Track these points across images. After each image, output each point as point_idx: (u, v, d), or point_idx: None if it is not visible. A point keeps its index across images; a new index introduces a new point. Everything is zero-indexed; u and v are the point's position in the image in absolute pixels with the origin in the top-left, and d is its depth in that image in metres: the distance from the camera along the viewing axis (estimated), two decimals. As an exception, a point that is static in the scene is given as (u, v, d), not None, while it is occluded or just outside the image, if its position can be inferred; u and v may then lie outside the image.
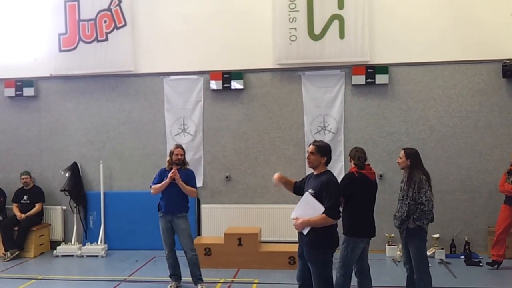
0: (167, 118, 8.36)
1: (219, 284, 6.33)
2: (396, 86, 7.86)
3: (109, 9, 8.38)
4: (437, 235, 7.36)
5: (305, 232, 4.34)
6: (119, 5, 8.34)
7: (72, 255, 7.98)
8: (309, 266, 4.39)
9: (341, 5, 7.77)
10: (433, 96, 7.77)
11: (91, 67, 8.42)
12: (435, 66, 7.73)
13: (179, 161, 6.01)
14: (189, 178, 6.06)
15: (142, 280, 6.66)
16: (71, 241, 8.30)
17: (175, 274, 6.19)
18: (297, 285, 4.70)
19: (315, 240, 4.29)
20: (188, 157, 6.64)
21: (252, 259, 6.98)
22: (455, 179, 7.71)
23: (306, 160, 4.53)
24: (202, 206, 8.25)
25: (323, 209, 4.22)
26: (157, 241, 6.41)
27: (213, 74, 8.14)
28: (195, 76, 8.30)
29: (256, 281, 6.41)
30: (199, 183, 7.76)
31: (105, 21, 8.39)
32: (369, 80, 7.77)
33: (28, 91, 8.60)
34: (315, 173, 4.50)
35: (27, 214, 8.13)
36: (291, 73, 8.07)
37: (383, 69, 7.75)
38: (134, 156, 8.48)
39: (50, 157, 8.67)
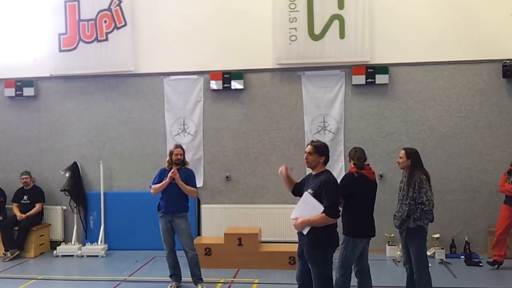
0: (167, 118, 8.36)
1: (219, 284, 6.33)
2: (396, 86, 7.86)
3: (109, 9, 8.38)
4: (437, 235, 7.36)
5: (305, 232, 4.35)
6: (119, 5, 8.34)
7: (72, 255, 7.98)
8: (309, 266, 4.39)
9: (341, 5, 7.77)
10: (433, 96, 7.77)
11: (91, 67, 8.42)
12: (435, 66, 7.73)
13: (178, 161, 6.01)
14: (189, 178, 6.05)
15: (142, 280, 6.65)
16: (71, 241, 8.29)
17: (175, 274, 6.19)
18: (297, 285, 4.70)
19: (315, 240, 4.29)
20: (188, 157, 6.65)
21: (252, 259, 6.98)
22: (455, 179, 7.71)
23: (305, 160, 4.53)
24: (202, 206, 8.25)
25: (322, 208, 4.22)
26: (157, 241, 6.40)
27: (213, 74, 8.14)
28: (195, 76, 8.30)
29: (256, 281, 6.41)
30: (199, 183, 7.77)
31: (105, 21, 8.39)
32: (369, 80, 7.77)
33: (28, 91, 8.60)
34: (314, 173, 4.51)
35: (27, 214, 8.13)
36: (291, 73, 8.07)
37: (383, 69, 7.75)
38: (134, 156, 8.48)
39: (50, 157, 8.67)
